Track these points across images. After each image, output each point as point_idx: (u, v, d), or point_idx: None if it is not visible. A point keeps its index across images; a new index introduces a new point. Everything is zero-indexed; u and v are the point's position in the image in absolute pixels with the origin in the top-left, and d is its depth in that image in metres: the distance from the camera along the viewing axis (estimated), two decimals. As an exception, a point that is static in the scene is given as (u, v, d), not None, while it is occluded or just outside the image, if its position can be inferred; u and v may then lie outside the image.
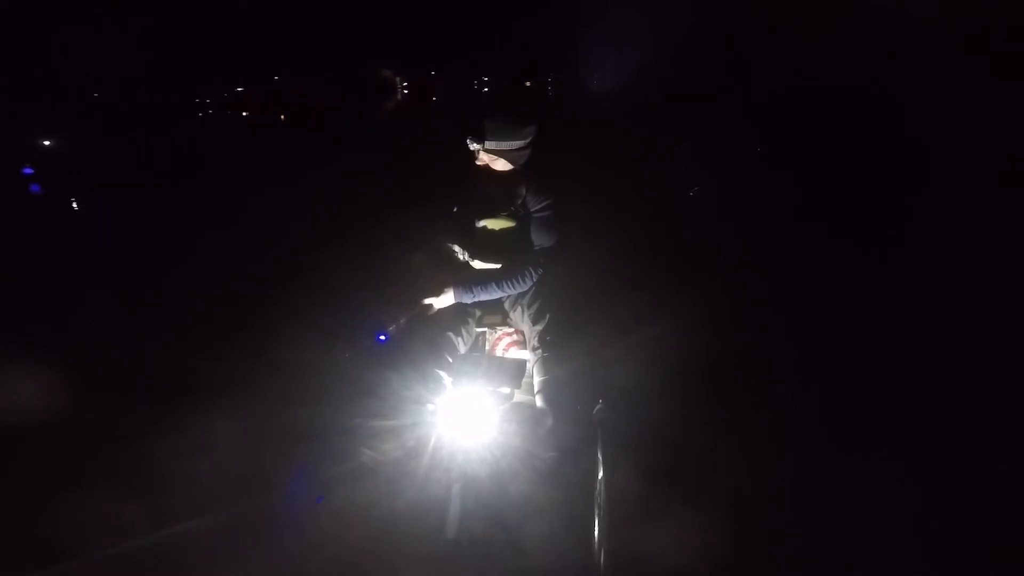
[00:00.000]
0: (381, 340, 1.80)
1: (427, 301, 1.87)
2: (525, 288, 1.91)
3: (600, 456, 1.60)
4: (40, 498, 1.75)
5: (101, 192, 5.02)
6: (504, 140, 1.91)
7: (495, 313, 1.99)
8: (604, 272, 2.09)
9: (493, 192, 1.97)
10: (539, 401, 1.72)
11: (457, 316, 1.89)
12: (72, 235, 4.39)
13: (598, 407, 1.77)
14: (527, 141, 1.95)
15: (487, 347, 1.97)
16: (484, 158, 1.96)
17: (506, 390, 1.69)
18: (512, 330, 1.97)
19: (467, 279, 1.91)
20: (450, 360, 1.78)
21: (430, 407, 1.68)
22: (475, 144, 1.92)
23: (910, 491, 1.76)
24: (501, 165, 1.98)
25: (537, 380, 1.75)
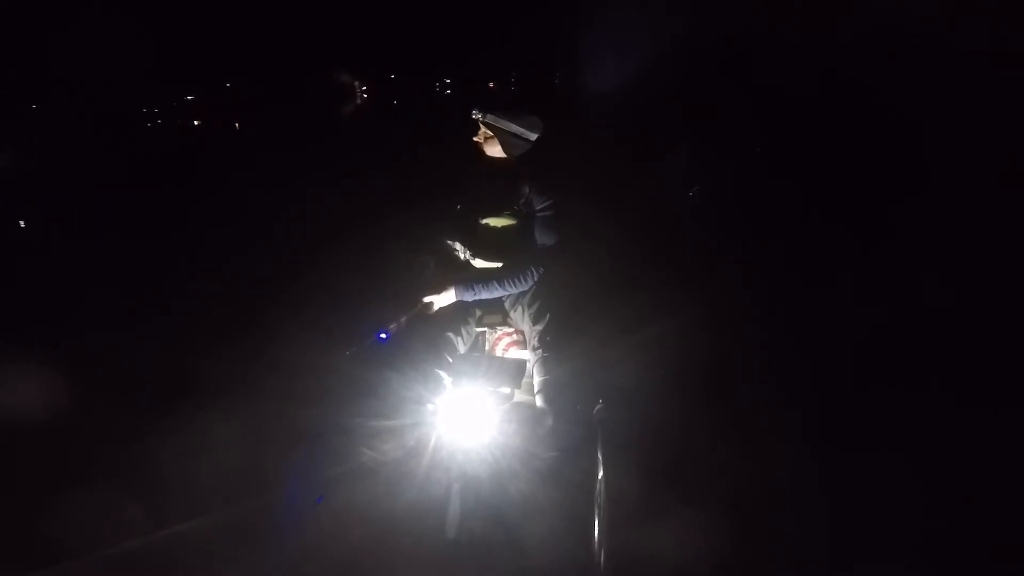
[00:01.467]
0: (382, 339, 1.80)
1: (428, 299, 1.87)
2: (526, 287, 1.91)
3: (600, 456, 1.60)
4: (40, 498, 1.75)
5: (100, 192, 5.02)
6: (503, 119, 1.97)
7: (495, 313, 1.99)
8: (604, 272, 2.09)
9: (495, 191, 1.98)
10: (539, 401, 1.72)
11: (457, 316, 1.89)
12: (71, 235, 4.38)
13: (598, 407, 1.77)
14: (524, 131, 1.98)
15: (487, 347, 1.97)
16: (480, 135, 2.02)
17: (506, 390, 1.69)
18: (512, 330, 1.97)
19: (468, 278, 1.92)
20: (450, 360, 1.78)
21: (430, 407, 1.68)
22: (476, 113, 1.98)
23: (911, 491, 1.76)
24: (495, 150, 2.00)
25: (537, 380, 1.75)
